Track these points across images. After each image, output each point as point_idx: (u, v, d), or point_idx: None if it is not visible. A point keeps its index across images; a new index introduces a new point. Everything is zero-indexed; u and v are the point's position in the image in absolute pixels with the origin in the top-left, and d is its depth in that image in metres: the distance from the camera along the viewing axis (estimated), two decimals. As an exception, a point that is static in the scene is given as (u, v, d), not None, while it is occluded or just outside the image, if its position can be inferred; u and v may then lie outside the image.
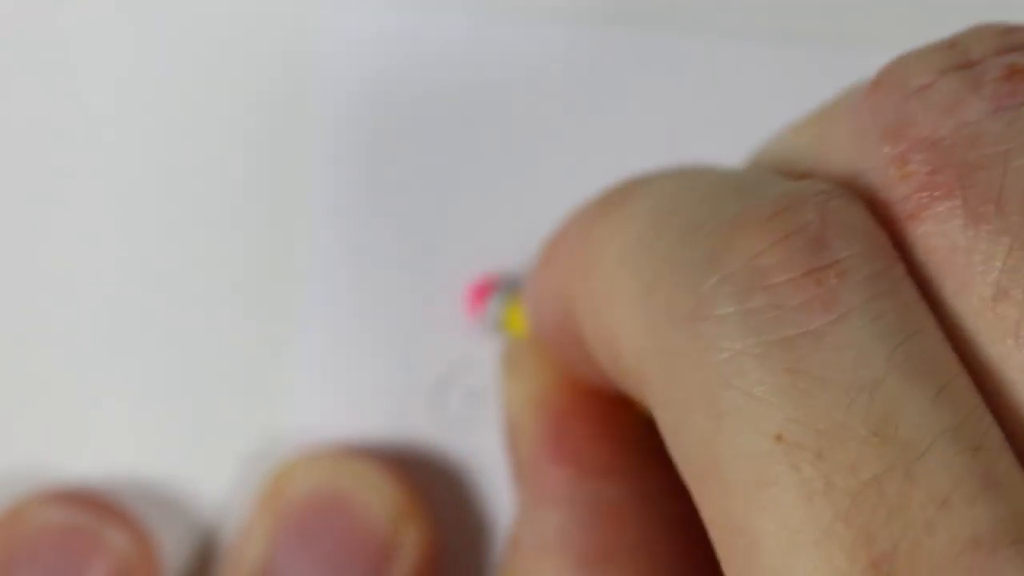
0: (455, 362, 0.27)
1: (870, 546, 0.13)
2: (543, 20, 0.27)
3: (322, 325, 0.27)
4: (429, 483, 0.27)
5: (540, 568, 0.20)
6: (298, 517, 0.25)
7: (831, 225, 0.15)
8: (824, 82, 0.27)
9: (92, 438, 0.27)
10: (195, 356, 0.27)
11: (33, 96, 0.27)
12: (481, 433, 0.27)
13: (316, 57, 0.27)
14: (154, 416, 0.27)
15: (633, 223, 0.17)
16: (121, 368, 0.27)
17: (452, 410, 0.27)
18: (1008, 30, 0.16)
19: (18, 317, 0.27)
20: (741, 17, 0.27)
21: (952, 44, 0.16)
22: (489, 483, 0.27)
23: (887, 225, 0.15)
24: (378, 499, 0.25)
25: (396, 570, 0.25)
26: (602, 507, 0.20)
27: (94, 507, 0.26)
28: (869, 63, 0.27)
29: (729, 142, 0.27)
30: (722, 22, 0.27)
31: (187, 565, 0.27)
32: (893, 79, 0.16)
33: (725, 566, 0.15)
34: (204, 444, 0.27)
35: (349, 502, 0.25)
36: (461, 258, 0.27)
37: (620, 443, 0.21)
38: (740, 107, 0.27)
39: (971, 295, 0.15)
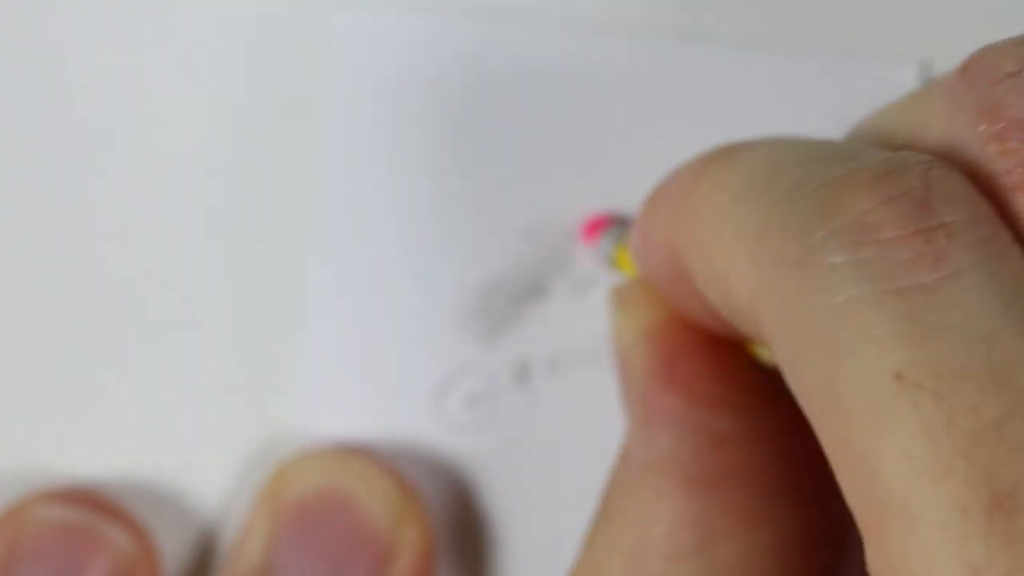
0: (456, 364, 0.27)
1: (991, 482, 0.14)
2: (553, 25, 0.27)
3: (325, 327, 0.27)
4: (429, 484, 0.27)
5: (648, 482, 0.21)
6: (298, 516, 0.25)
7: (935, 191, 0.16)
8: (838, 92, 0.27)
9: (93, 437, 0.27)
10: (197, 356, 0.27)
11: (33, 96, 0.27)
12: (481, 435, 0.27)
13: (326, 58, 0.27)
14: (155, 416, 0.27)
15: (737, 178, 0.18)
16: (123, 368, 0.27)
17: (453, 412, 0.27)
18: None
19: (19, 316, 0.27)
20: (760, 28, 0.27)
21: None
22: (489, 484, 0.27)
23: (989, 196, 0.16)
24: (378, 498, 0.25)
25: (395, 570, 0.25)
26: (710, 435, 0.21)
27: (95, 505, 0.26)
28: (886, 74, 0.27)
29: None
30: (742, 33, 0.27)
31: (187, 563, 0.27)
32: (983, 65, 0.17)
33: (846, 491, 0.15)
34: (204, 443, 0.27)
35: (349, 501, 0.25)
36: (466, 260, 0.27)
37: (728, 379, 0.21)
38: (755, 116, 0.27)
39: None
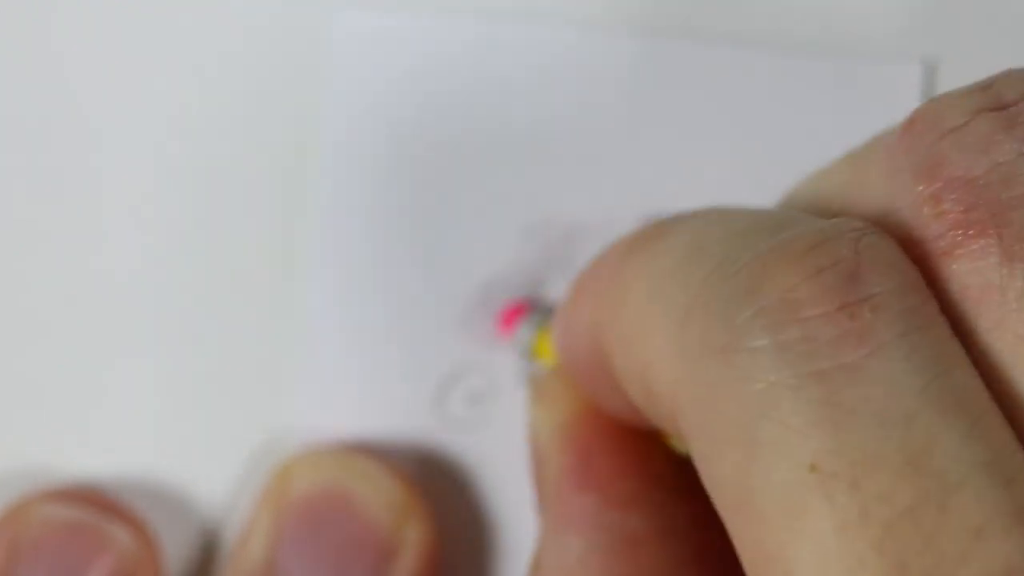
0: (458, 363, 0.27)
1: (904, 575, 0.13)
2: (554, 22, 0.27)
3: (326, 325, 0.27)
4: (431, 482, 0.27)
5: None
6: (301, 515, 0.25)
7: (864, 260, 0.15)
8: (824, 93, 0.27)
9: (95, 435, 0.27)
10: (199, 355, 0.27)
11: (31, 96, 0.27)
12: (483, 433, 0.27)
13: (326, 58, 0.27)
14: (157, 414, 0.27)
15: (664, 259, 0.17)
16: (124, 366, 0.27)
17: (454, 410, 0.27)
18: None
19: (19, 316, 0.27)
20: (763, 27, 0.27)
21: (985, 87, 0.16)
22: (490, 483, 0.27)
23: (920, 262, 0.16)
24: (380, 497, 0.25)
25: (398, 568, 0.25)
26: (624, 537, 0.20)
27: (97, 504, 0.26)
28: (890, 75, 0.27)
29: (741, 150, 0.27)
30: (745, 32, 0.27)
31: (190, 562, 0.27)
32: (927, 119, 0.16)
33: None
34: (207, 442, 0.27)
35: (352, 500, 0.25)
36: (466, 260, 0.27)
37: (645, 475, 0.21)
38: (757, 116, 0.27)
39: (1005, 332, 0.15)
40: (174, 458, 0.27)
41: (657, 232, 0.18)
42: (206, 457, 0.27)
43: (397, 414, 0.27)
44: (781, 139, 0.27)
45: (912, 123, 0.16)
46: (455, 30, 0.27)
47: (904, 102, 0.27)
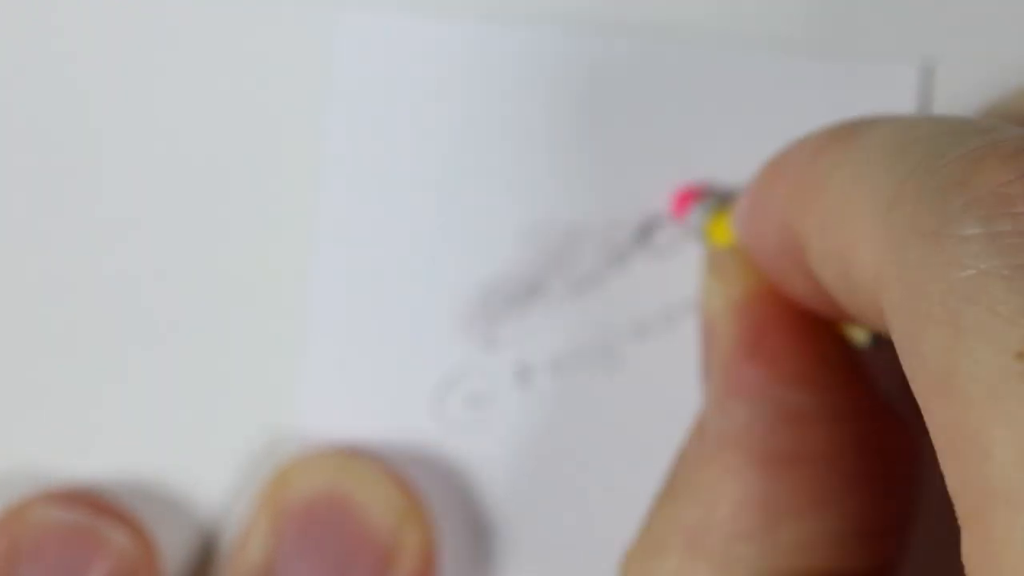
0: (457, 365, 0.27)
1: None
2: (554, 26, 0.27)
3: (325, 328, 0.27)
4: (430, 485, 0.27)
5: (719, 457, 0.21)
6: (300, 518, 0.25)
7: None
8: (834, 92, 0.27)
9: (94, 438, 0.27)
10: (199, 356, 0.27)
11: (34, 96, 0.27)
12: (481, 436, 0.27)
13: (328, 59, 0.27)
14: (157, 416, 0.27)
15: (869, 148, 0.18)
16: (125, 367, 0.27)
17: (453, 412, 0.27)
18: None
19: (20, 316, 0.27)
20: (761, 28, 0.27)
21: None
22: (489, 485, 0.27)
23: None
24: (380, 501, 0.25)
25: (397, 571, 0.25)
26: (790, 412, 0.20)
27: (95, 507, 0.26)
28: (865, 74, 0.27)
29: (739, 150, 0.27)
30: (743, 33, 0.27)
31: (188, 565, 0.27)
32: None
33: (949, 473, 0.15)
34: (206, 445, 0.27)
35: (351, 503, 0.25)
36: (465, 261, 0.27)
37: (814, 355, 0.21)
38: (756, 117, 0.27)
39: None
40: (173, 461, 0.27)
41: (853, 128, 0.19)
42: (205, 459, 0.27)
43: (396, 417, 0.27)
44: (780, 139, 0.27)
45: None
46: (456, 32, 0.27)
47: (900, 103, 0.27)
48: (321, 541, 0.25)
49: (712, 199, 0.26)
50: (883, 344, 0.21)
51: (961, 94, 0.27)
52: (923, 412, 0.16)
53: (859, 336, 0.21)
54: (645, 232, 0.27)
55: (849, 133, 0.19)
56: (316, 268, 0.27)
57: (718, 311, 0.22)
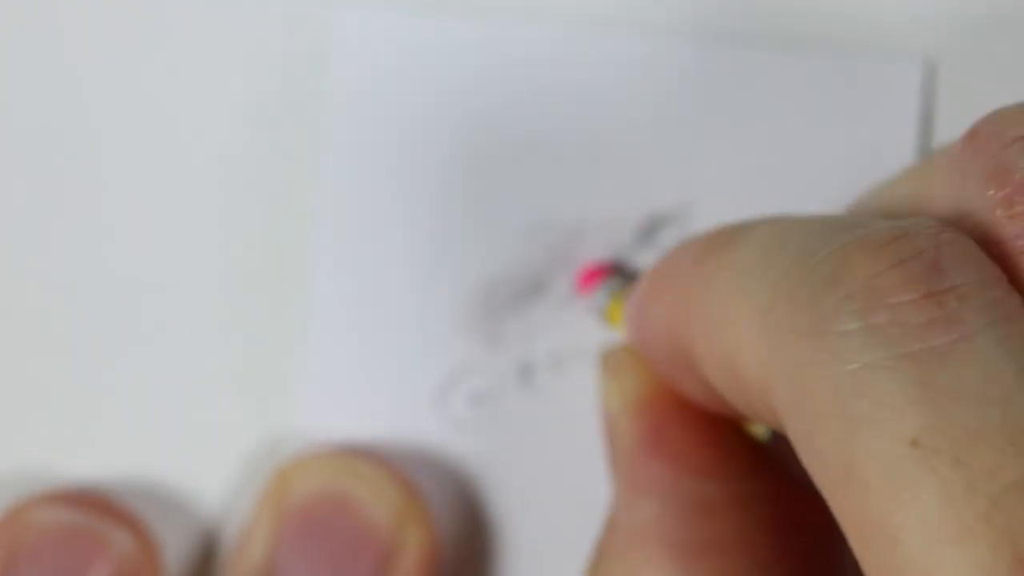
0: (459, 364, 0.27)
1: (1015, 544, 0.14)
2: (556, 24, 0.27)
3: (326, 327, 0.27)
4: (431, 484, 0.27)
5: (635, 553, 0.21)
6: (301, 517, 0.25)
7: (945, 253, 0.16)
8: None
9: (95, 438, 0.27)
10: (198, 357, 0.27)
11: (35, 97, 0.27)
12: (484, 434, 0.27)
13: (328, 59, 0.27)
14: (157, 417, 0.27)
15: (744, 255, 0.18)
16: (125, 368, 0.27)
17: (455, 411, 0.27)
18: None
19: (20, 317, 0.27)
20: (765, 26, 0.27)
21: None
22: (491, 484, 0.27)
23: (998, 261, 0.16)
24: (381, 500, 0.25)
25: (398, 570, 0.25)
26: (696, 503, 0.21)
27: (96, 507, 0.26)
28: (869, 72, 0.27)
29: (742, 148, 0.27)
30: (747, 31, 0.27)
31: (189, 564, 0.27)
32: (990, 131, 0.17)
33: (863, 561, 0.15)
34: (207, 444, 0.27)
35: (352, 502, 0.25)
36: (468, 260, 0.27)
37: (717, 448, 0.21)
38: (760, 115, 0.27)
39: None
40: (174, 461, 0.27)
41: (732, 234, 0.19)
42: (206, 460, 0.27)
43: (398, 416, 0.27)
44: (783, 137, 0.27)
45: (975, 134, 0.17)
46: (456, 31, 0.27)
47: (905, 101, 0.27)
48: (322, 540, 0.25)
49: (616, 280, 0.26)
50: (781, 438, 0.21)
51: (964, 91, 0.27)
52: (829, 504, 0.16)
53: (759, 431, 0.21)
54: (647, 230, 0.27)
55: (727, 240, 0.19)
56: (318, 267, 0.27)
57: (617, 411, 0.22)
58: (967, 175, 0.17)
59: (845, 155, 0.27)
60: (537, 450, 0.27)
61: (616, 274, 0.27)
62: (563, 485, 0.27)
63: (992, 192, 0.17)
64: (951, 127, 0.27)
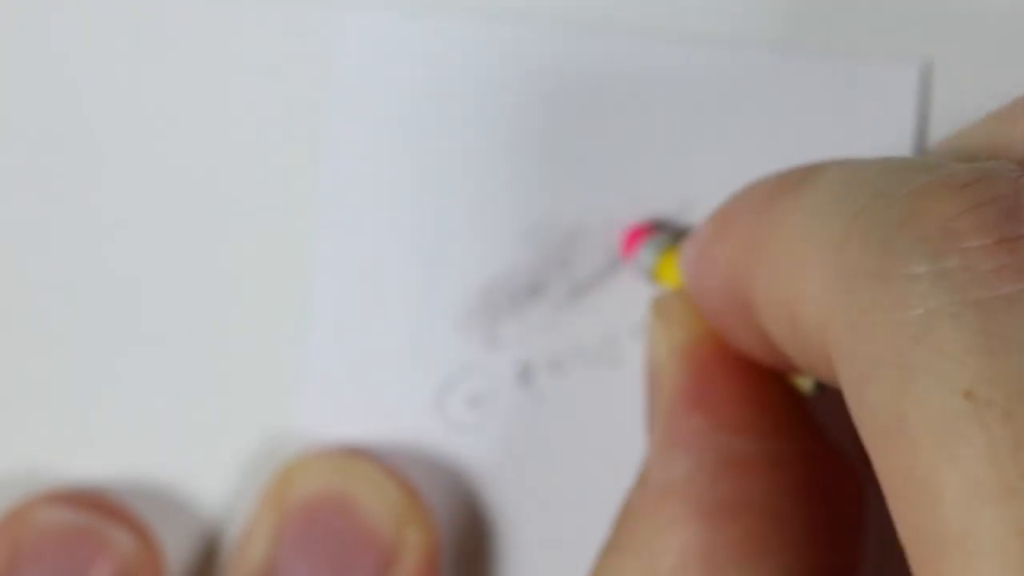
0: (458, 365, 0.27)
1: None
2: (553, 26, 0.27)
3: (326, 329, 0.27)
4: (431, 486, 0.27)
5: (661, 509, 0.20)
6: (302, 517, 0.25)
7: (1023, 199, 0.15)
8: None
9: (95, 438, 0.27)
10: (199, 358, 0.27)
11: (34, 97, 0.27)
12: (483, 436, 0.27)
13: (328, 60, 0.27)
14: (157, 417, 0.27)
15: (816, 195, 0.18)
16: (124, 369, 0.27)
17: (455, 413, 0.27)
18: None
19: (21, 316, 0.27)
20: (763, 29, 0.27)
21: None
22: (491, 486, 0.27)
23: None
24: (382, 500, 0.25)
25: (399, 571, 0.25)
26: (732, 460, 0.20)
27: (98, 508, 0.26)
28: (867, 74, 0.27)
29: (741, 150, 0.27)
30: (746, 34, 0.28)
31: (190, 565, 0.27)
32: None
33: (901, 520, 0.15)
34: (208, 445, 0.27)
35: (352, 503, 0.25)
36: (466, 262, 0.27)
37: (758, 403, 0.21)
38: (751, 115, 0.27)
39: None
40: (175, 462, 0.27)
41: (804, 174, 0.19)
42: (207, 460, 0.27)
43: (398, 417, 0.27)
44: (781, 138, 0.27)
45: None
46: (456, 32, 0.27)
47: (901, 102, 0.27)
48: (323, 541, 0.25)
49: (661, 238, 0.26)
50: (829, 393, 0.21)
51: (958, 93, 0.27)
52: (872, 458, 0.16)
53: (805, 385, 0.21)
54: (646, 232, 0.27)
55: (798, 181, 0.19)
56: (317, 269, 0.27)
57: (662, 357, 0.22)
58: None
59: (843, 156, 0.27)
60: (536, 451, 0.27)
61: (660, 232, 0.26)
62: (562, 486, 0.27)
63: None
64: (946, 129, 0.27)
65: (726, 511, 0.20)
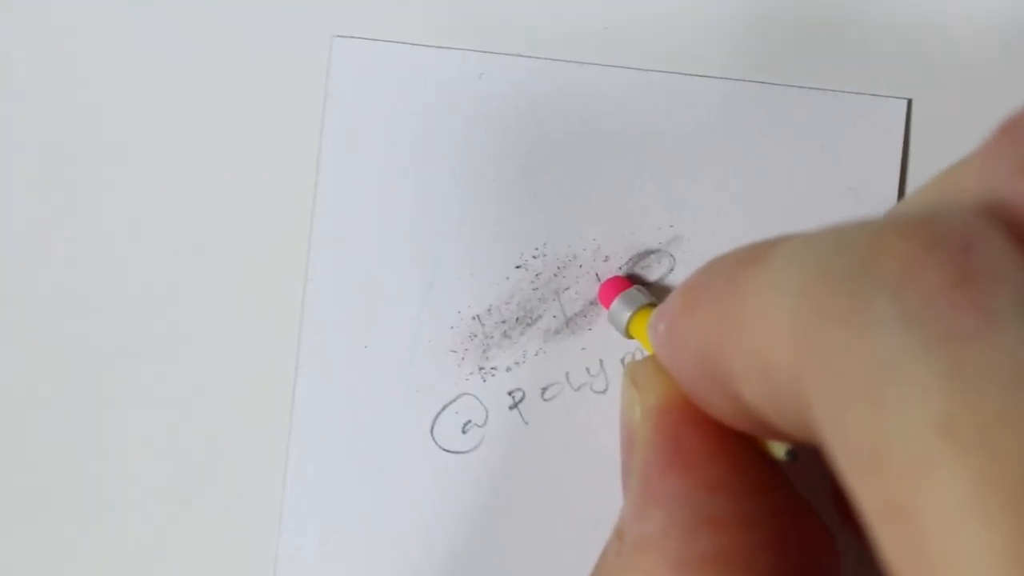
0: (450, 392, 0.27)
1: None
2: (549, 55, 0.27)
3: (320, 356, 0.27)
4: (425, 509, 0.27)
5: (639, 562, 0.21)
6: None
7: (976, 238, 0.16)
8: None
9: (97, 438, 0.28)
10: (202, 368, 0.28)
11: (39, 104, 0.28)
12: (476, 459, 0.27)
13: (325, 86, 0.27)
14: (158, 415, 0.28)
15: (779, 260, 0.18)
16: (126, 367, 0.28)
17: (447, 438, 0.27)
18: None
19: (22, 316, 0.28)
20: (763, 66, 0.28)
21: None
22: (483, 510, 0.27)
23: None
24: None
25: None
26: (707, 518, 0.20)
27: None
28: (860, 105, 0.27)
29: (739, 178, 0.27)
30: (744, 69, 0.28)
31: (191, 563, 0.27)
32: (1020, 125, 0.17)
33: (886, 550, 0.15)
34: (207, 445, 0.28)
35: None
36: (460, 290, 0.27)
37: (732, 464, 0.21)
38: (754, 145, 0.27)
39: None
40: (175, 460, 0.28)
41: (766, 247, 0.19)
42: (207, 460, 0.28)
43: (391, 441, 0.27)
44: (780, 164, 0.27)
45: (1006, 130, 0.17)
46: (450, 59, 0.27)
47: (890, 133, 0.27)
48: None
49: (634, 296, 0.26)
50: (800, 458, 0.21)
51: (936, 126, 0.27)
52: (852, 493, 0.16)
53: (778, 452, 0.21)
54: (637, 262, 0.27)
55: (760, 255, 0.19)
56: (311, 296, 0.27)
57: (637, 419, 0.22)
58: (998, 168, 0.17)
59: (833, 186, 0.27)
60: (528, 477, 0.27)
61: (634, 289, 0.27)
62: (555, 509, 0.27)
63: (1022, 182, 0.17)
64: (925, 158, 0.27)
65: (702, 563, 0.20)
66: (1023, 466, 0.14)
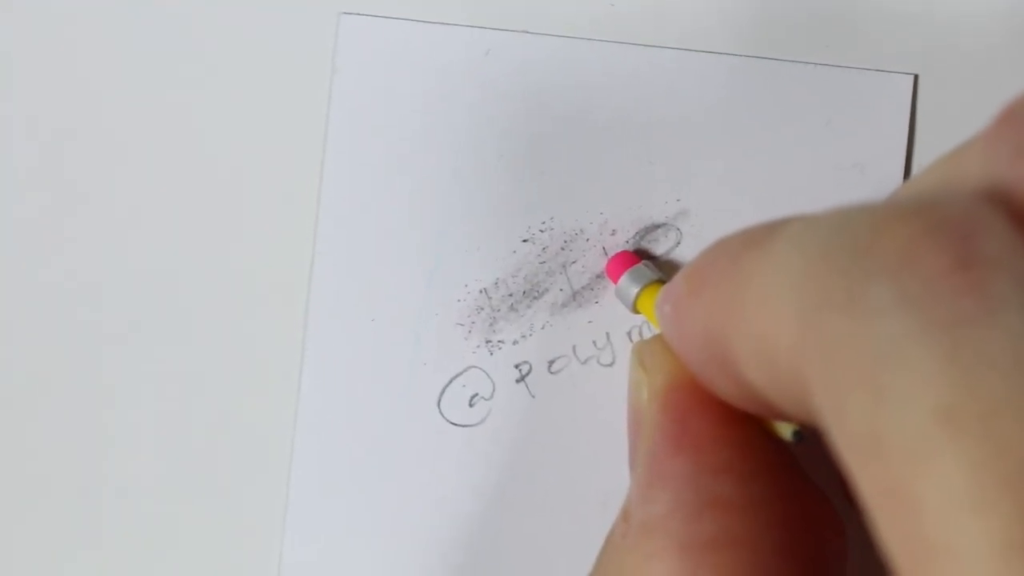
0: (456, 367, 0.27)
1: None
2: (554, 33, 0.28)
3: (328, 330, 0.27)
4: (431, 484, 0.27)
5: (645, 544, 0.21)
6: None
7: (976, 222, 0.16)
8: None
9: (98, 438, 0.28)
10: (204, 357, 0.28)
11: (42, 99, 0.28)
12: (482, 435, 0.27)
13: (332, 64, 0.28)
14: (158, 414, 0.28)
15: (781, 244, 0.18)
16: (126, 368, 0.28)
17: (454, 412, 0.27)
18: None
19: (22, 316, 0.28)
20: (770, 41, 0.28)
21: None
22: (489, 484, 0.27)
23: None
24: None
25: None
26: (712, 499, 0.20)
27: None
28: (867, 80, 0.27)
29: (746, 153, 0.27)
30: (748, 45, 0.28)
31: (192, 561, 0.27)
32: (1021, 110, 0.17)
33: (884, 535, 0.15)
34: (207, 445, 0.28)
35: None
36: (466, 264, 0.27)
37: (738, 446, 0.21)
38: (761, 122, 0.27)
39: None
40: (176, 459, 0.28)
41: (768, 229, 0.19)
42: (207, 459, 0.28)
43: (397, 416, 0.27)
44: (786, 140, 0.27)
45: (1008, 114, 0.17)
46: (458, 38, 0.27)
47: (897, 108, 0.27)
48: None
49: (642, 272, 0.27)
50: (806, 440, 0.21)
51: (942, 102, 0.27)
52: (852, 479, 0.16)
53: (785, 432, 0.21)
54: (643, 236, 0.27)
55: (763, 237, 0.19)
56: (318, 271, 0.27)
57: (644, 400, 0.22)
58: (999, 153, 0.17)
59: (839, 162, 0.27)
60: (535, 450, 0.27)
61: (642, 265, 0.27)
62: (561, 485, 0.27)
63: (1023, 167, 0.16)
64: (932, 135, 0.27)
65: (707, 546, 0.20)
66: (1020, 454, 0.14)
